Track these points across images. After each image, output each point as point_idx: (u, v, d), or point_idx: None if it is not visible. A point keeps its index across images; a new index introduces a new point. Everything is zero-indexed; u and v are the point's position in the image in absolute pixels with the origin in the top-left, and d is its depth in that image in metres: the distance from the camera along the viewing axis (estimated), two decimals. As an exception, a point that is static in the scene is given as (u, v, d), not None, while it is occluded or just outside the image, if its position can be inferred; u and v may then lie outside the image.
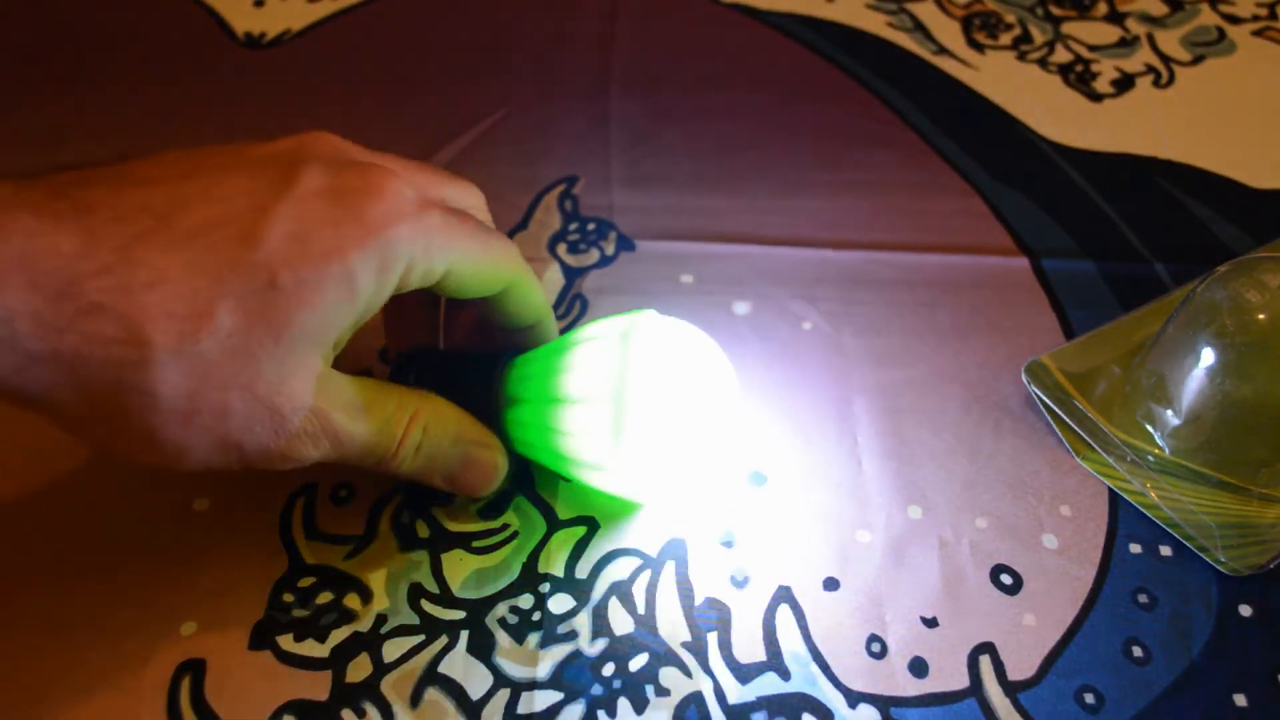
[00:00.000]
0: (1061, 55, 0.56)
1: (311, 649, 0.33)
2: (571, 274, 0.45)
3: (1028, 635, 0.34)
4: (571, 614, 0.34)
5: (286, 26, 0.57)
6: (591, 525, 0.36)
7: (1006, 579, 0.35)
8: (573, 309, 0.43)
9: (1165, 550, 0.36)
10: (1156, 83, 0.55)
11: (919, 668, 0.33)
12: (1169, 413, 0.38)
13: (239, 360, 0.27)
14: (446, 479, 0.34)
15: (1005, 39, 0.57)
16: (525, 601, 0.34)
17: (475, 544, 0.36)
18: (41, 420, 0.28)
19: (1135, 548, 0.36)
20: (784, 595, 0.35)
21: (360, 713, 0.32)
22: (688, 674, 0.33)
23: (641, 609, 0.34)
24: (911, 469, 0.38)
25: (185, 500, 0.37)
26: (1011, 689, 0.33)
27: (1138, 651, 0.34)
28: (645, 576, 0.35)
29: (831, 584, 0.35)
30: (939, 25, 0.58)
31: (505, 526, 0.36)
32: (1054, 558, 0.36)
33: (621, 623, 0.34)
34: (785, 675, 0.33)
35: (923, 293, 0.44)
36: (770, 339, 0.42)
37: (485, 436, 0.34)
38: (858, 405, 0.40)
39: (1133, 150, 0.51)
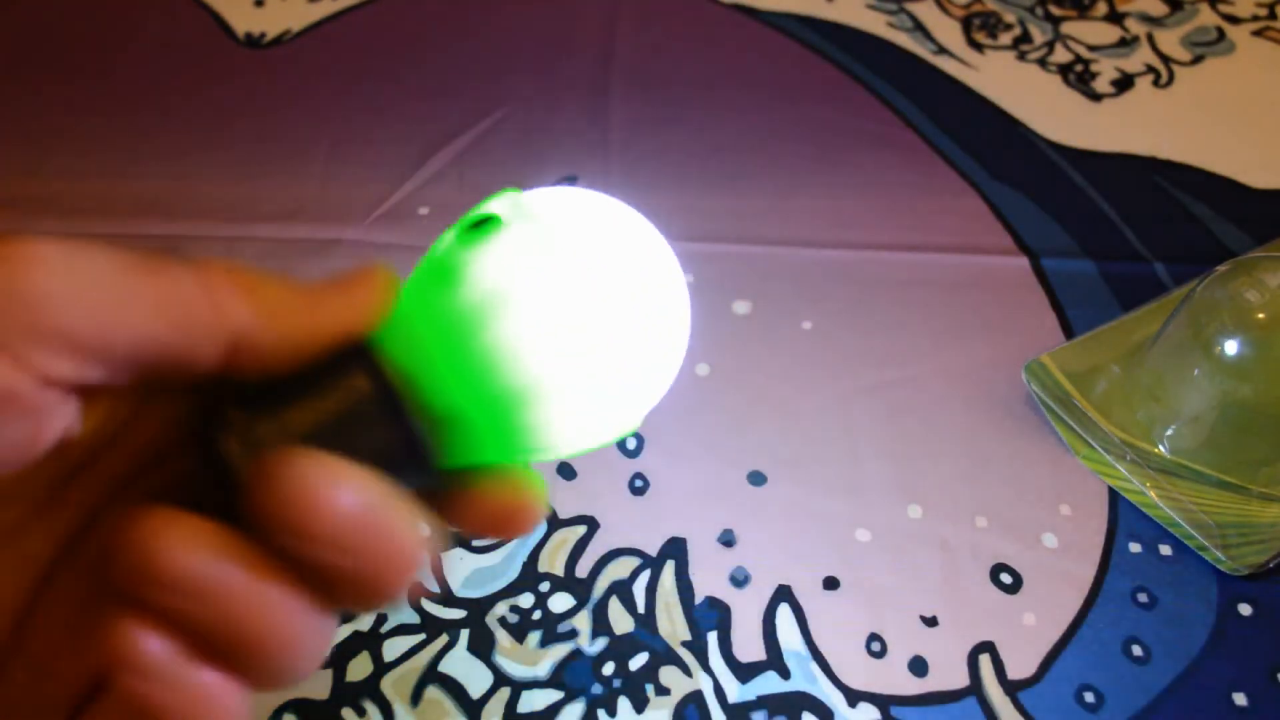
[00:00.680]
0: (1061, 55, 0.56)
1: (312, 648, 0.33)
2: (572, 274, 0.45)
3: (1028, 634, 0.34)
4: (571, 613, 0.34)
5: (286, 26, 0.57)
6: (591, 525, 0.36)
7: (1006, 578, 0.35)
8: (573, 309, 0.43)
9: (1165, 549, 0.36)
10: (1156, 83, 0.55)
11: (919, 667, 0.33)
12: (1169, 412, 0.38)
13: None
14: (338, 324, 0.21)
15: (1005, 39, 0.57)
16: (525, 600, 0.34)
17: (475, 543, 0.36)
18: None
19: (1135, 547, 0.36)
20: (784, 595, 0.35)
21: (360, 711, 0.32)
22: (688, 673, 0.33)
23: (641, 608, 0.34)
24: (911, 469, 0.38)
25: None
26: (1011, 688, 0.33)
27: (1137, 650, 0.34)
28: (645, 576, 0.35)
29: (831, 583, 0.35)
30: (939, 25, 0.58)
31: (505, 526, 0.36)
32: (1054, 557, 0.36)
33: (621, 622, 0.34)
34: (785, 674, 0.33)
35: (923, 293, 0.44)
36: (770, 339, 0.42)
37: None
38: (858, 405, 0.40)
39: (1133, 150, 0.51)
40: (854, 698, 0.33)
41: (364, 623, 0.34)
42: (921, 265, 0.45)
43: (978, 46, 0.57)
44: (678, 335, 0.24)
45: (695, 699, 0.32)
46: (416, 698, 0.32)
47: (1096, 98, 0.54)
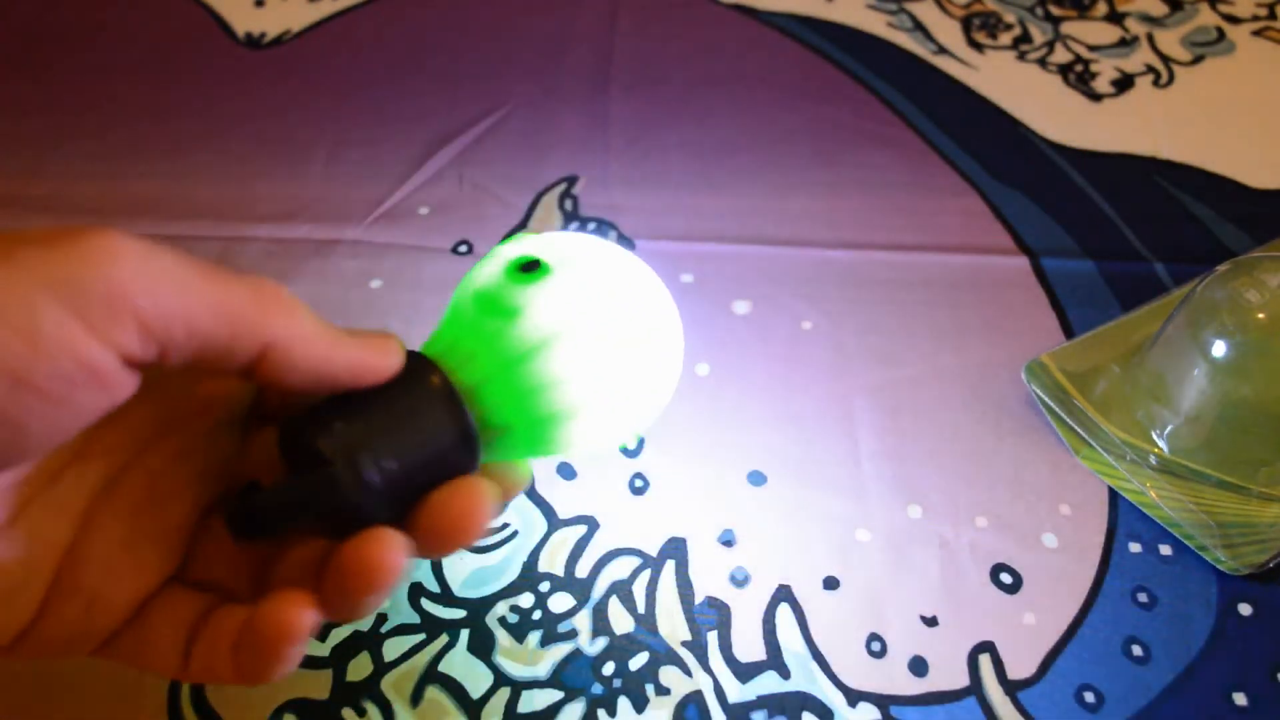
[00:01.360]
0: (1061, 55, 0.56)
1: (312, 648, 0.33)
2: (572, 274, 0.45)
3: (1027, 634, 0.34)
4: (572, 613, 0.34)
5: (286, 27, 0.57)
6: (591, 524, 0.36)
7: (1006, 578, 0.35)
8: (573, 309, 0.43)
9: (1165, 549, 0.36)
10: (1156, 83, 0.55)
11: (919, 666, 0.33)
12: (1169, 412, 0.38)
13: None
14: (348, 367, 0.24)
15: (1005, 39, 0.57)
16: (525, 600, 0.34)
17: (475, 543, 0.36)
18: None
19: (1135, 547, 0.37)
20: (784, 594, 0.35)
21: (361, 711, 0.32)
22: (688, 673, 0.33)
23: (641, 608, 0.34)
24: (911, 469, 0.38)
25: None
26: (1011, 688, 0.33)
27: (1137, 650, 0.34)
28: (645, 576, 0.35)
29: (831, 583, 0.35)
30: (939, 25, 0.58)
31: (505, 525, 0.36)
32: (1054, 557, 0.36)
33: (621, 622, 0.34)
34: (785, 674, 0.33)
35: (923, 293, 0.44)
36: (770, 339, 0.42)
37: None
38: (858, 405, 0.40)
39: (1133, 150, 0.51)
40: (854, 698, 0.33)
41: (364, 623, 0.34)
42: (921, 265, 0.45)
43: (978, 46, 0.57)
44: (677, 362, 0.29)
45: (695, 699, 0.32)
46: (416, 698, 0.32)
47: (1096, 98, 0.54)
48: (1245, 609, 0.35)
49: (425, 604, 0.34)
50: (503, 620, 0.34)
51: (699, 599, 0.35)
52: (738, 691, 0.33)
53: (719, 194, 0.48)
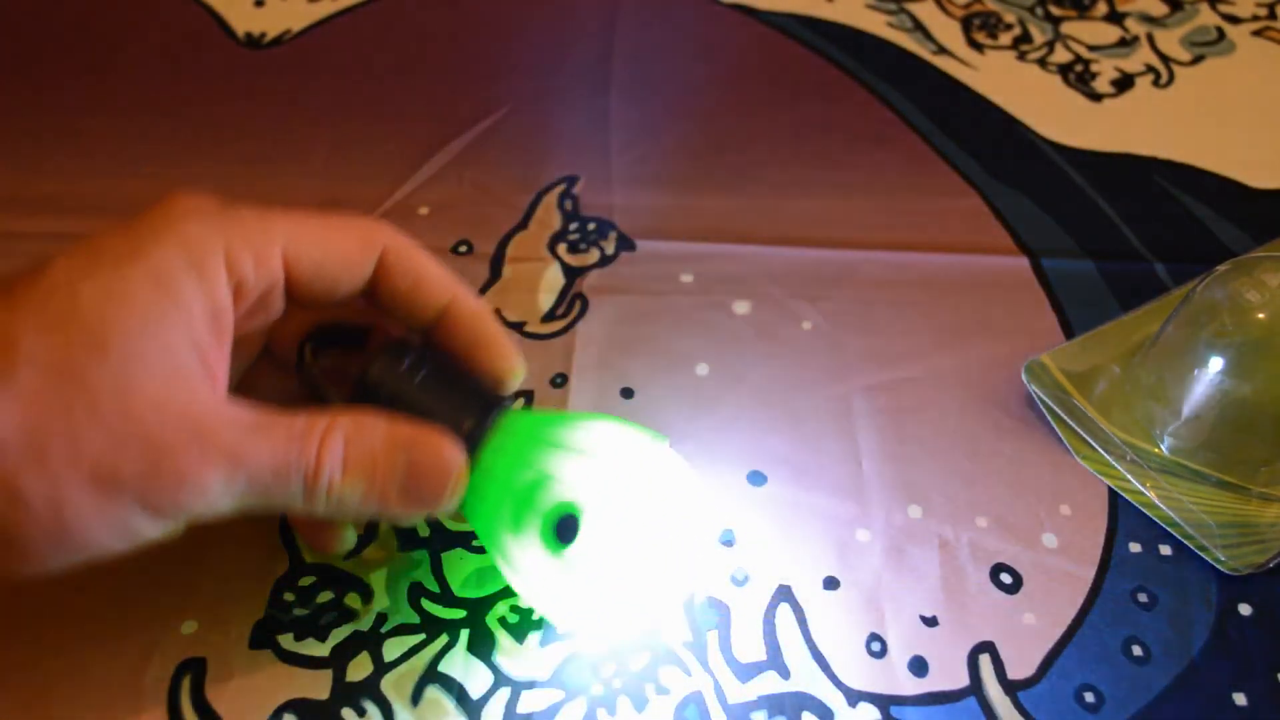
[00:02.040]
0: (1061, 55, 0.56)
1: (312, 648, 0.33)
2: (571, 274, 0.45)
3: (1027, 634, 0.34)
4: (531, 625, 0.34)
5: (286, 26, 0.57)
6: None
7: (1006, 578, 0.36)
8: (573, 308, 0.43)
9: (1165, 549, 0.36)
10: (1156, 83, 0.55)
11: (919, 666, 0.33)
12: (1169, 412, 0.38)
13: (69, 380, 0.24)
14: (400, 496, 0.28)
15: (1005, 39, 0.57)
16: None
17: (475, 543, 0.36)
18: None
19: (1135, 547, 0.37)
20: (784, 594, 0.35)
21: (361, 712, 0.32)
22: (688, 673, 0.33)
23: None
24: (911, 469, 0.38)
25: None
26: (1011, 688, 0.33)
27: (1137, 650, 0.34)
28: (645, 576, 0.35)
29: (831, 583, 0.35)
30: (939, 25, 0.58)
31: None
32: (1054, 557, 0.36)
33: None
34: (785, 674, 0.33)
35: (923, 293, 0.44)
36: (770, 339, 0.42)
37: (428, 432, 0.29)
38: (858, 405, 0.40)
39: (1133, 150, 0.51)
40: (854, 698, 0.33)
41: (364, 623, 0.34)
42: (921, 265, 0.45)
43: (978, 46, 0.57)
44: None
45: (695, 699, 0.32)
46: (416, 698, 0.32)
47: (1096, 98, 0.54)
48: (1245, 609, 0.35)
49: (425, 604, 0.34)
50: (503, 620, 0.34)
51: (699, 599, 0.35)
52: (738, 691, 0.33)
53: (719, 194, 0.48)
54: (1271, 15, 0.59)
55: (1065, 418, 0.39)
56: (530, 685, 0.33)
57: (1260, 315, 0.36)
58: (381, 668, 0.33)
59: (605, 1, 0.59)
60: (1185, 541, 0.36)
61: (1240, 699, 0.33)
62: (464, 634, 0.34)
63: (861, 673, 0.33)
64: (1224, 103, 0.54)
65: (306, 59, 0.55)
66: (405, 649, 0.33)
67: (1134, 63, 0.56)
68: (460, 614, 0.34)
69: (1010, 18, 0.59)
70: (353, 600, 0.34)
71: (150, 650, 0.33)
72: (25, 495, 0.24)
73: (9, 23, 0.57)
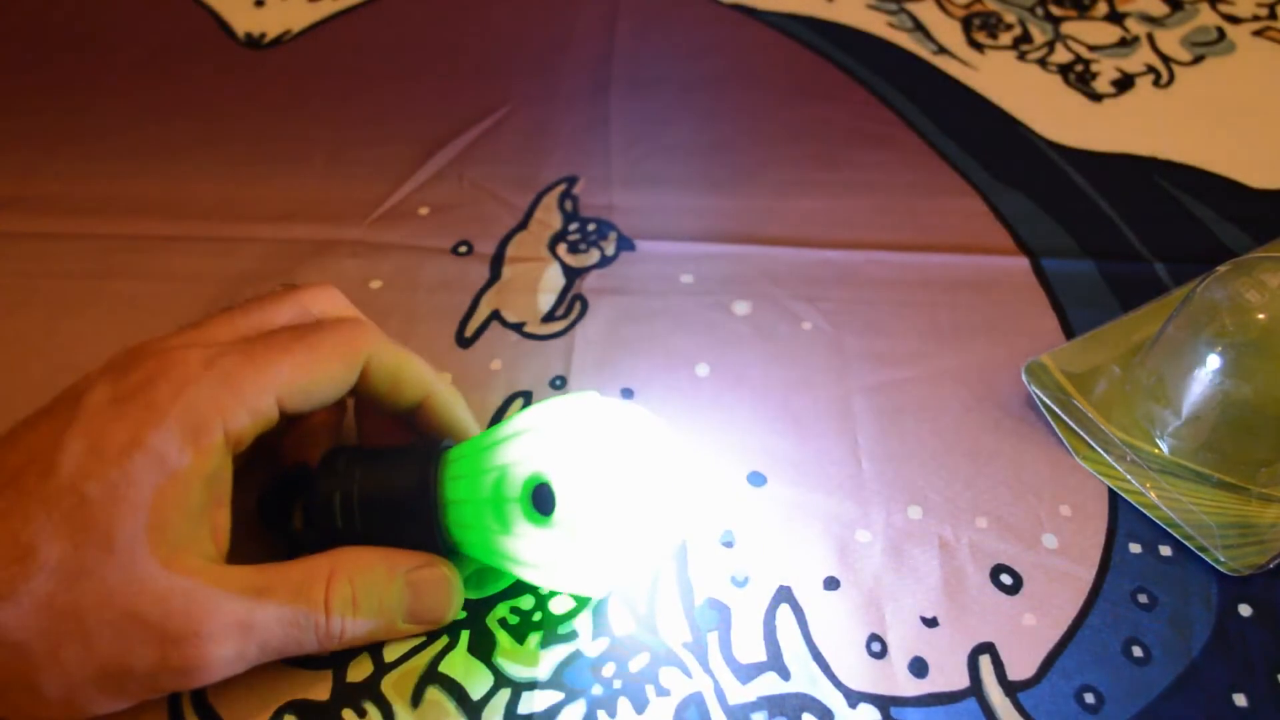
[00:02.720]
0: (1061, 55, 0.56)
1: (312, 649, 0.33)
2: (571, 274, 0.45)
3: (1028, 635, 0.34)
4: (572, 614, 0.34)
5: (286, 27, 0.57)
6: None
7: (1006, 579, 0.36)
8: (573, 309, 0.43)
9: (1165, 550, 0.36)
10: (1156, 83, 0.55)
11: (919, 667, 0.33)
12: (1169, 413, 0.38)
13: (80, 582, 0.26)
14: (410, 618, 0.32)
15: (1005, 39, 0.57)
16: (526, 602, 0.34)
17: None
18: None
19: (1135, 547, 0.37)
20: (784, 595, 0.35)
21: (361, 712, 0.32)
22: (688, 674, 0.33)
23: (642, 609, 0.34)
24: (911, 469, 0.38)
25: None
26: (1011, 689, 0.33)
27: (1138, 651, 0.34)
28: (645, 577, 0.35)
29: (831, 584, 0.35)
30: (939, 25, 0.58)
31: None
32: (1054, 557, 0.36)
33: (622, 623, 0.34)
34: (785, 675, 0.33)
35: (923, 293, 0.44)
36: (770, 339, 0.43)
37: (420, 557, 0.32)
38: (858, 405, 0.40)
39: (1133, 150, 0.51)
40: (854, 698, 0.33)
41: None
42: (921, 265, 0.45)
43: (978, 46, 0.57)
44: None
45: (695, 700, 0.32)
46: (417, 698, 0.32)
47: (1096, 98, 0.54)
48: (1245, 609, 0.35)
49: (425, 605, 0.34)
50: (503, 621, 0.34)
51: (699, 600, 0.35)
52: (738, 692, 0.33)
53: (719, 194, 0.48)
54: (1272, 15, 0.59)
55: (1065, 418, 0.39)
56: (530, 686, 0.33)
57: (1260, 316, 0.36)
58: (382, 668, 0.33)
59: (605, 1, 0.59)
60: (1185, 542, 0.36)
61: (1240, 700, 0.33)
62: (464, 635, 0.34)
63: (862, 673, 0.33)
64: (1224, 103, 0.54)
65: (306, 59, 0.55)
66: (405, 650, 0.33)
67: (1134, 63, 0.56)
68: (460, 615, 0.34)
69: (1010, 18, 0.59)
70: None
71: (150, 651, 0.33)
72: (43, 691, 0.27)
73: (9, 23, 0.57)
